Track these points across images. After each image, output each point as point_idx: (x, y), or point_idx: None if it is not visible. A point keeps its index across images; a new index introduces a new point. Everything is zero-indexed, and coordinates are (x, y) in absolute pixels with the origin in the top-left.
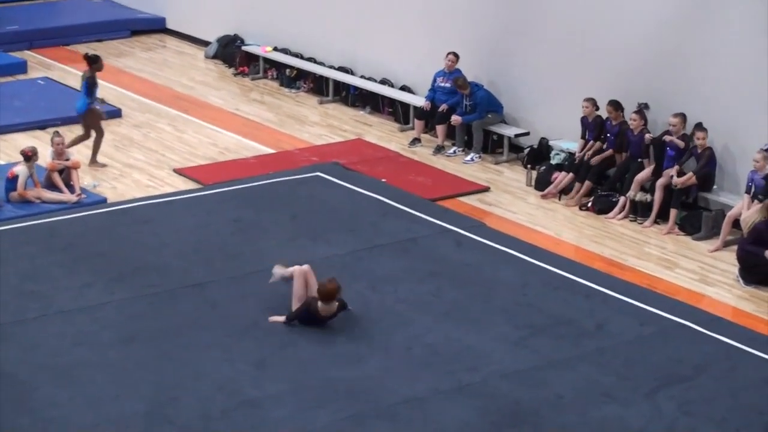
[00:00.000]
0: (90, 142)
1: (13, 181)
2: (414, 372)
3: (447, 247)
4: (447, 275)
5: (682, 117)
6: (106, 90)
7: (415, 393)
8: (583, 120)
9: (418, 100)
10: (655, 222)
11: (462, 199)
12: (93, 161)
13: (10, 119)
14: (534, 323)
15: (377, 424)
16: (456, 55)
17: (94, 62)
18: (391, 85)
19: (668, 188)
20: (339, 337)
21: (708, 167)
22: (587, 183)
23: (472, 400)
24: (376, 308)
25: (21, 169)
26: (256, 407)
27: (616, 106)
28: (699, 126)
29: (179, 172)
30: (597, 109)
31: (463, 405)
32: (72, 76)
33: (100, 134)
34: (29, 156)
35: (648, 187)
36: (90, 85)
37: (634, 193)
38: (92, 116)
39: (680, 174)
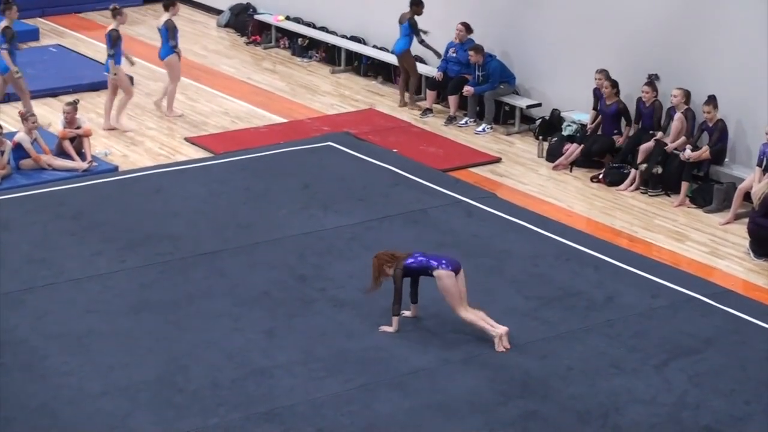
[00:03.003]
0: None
1: (18, 149)
2: (423, 342)
3: (458, 217)
4: (457, 246)
5: (685, 91)
6: None
7: (425, 363)
8: (596, 91)
9: (430, 71)
10: (666, 194)
11: (473, 169)
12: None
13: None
14: (544, 294)
15: (387, 394)
16: (465, 25)
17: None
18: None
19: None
20: (348, 308)
21: (720, 140)
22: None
23: (481, 370)
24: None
25: (21, 136)
26: (266, 376)
27: (613, 83)
28: (710, 99)
29: (191, 140)
30: (609, 80)
31: (472, 375)
32: (84, 43)
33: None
34: (24, 117)
35: (659, 160)
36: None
37: (642, 164)
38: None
39: (692, 148)
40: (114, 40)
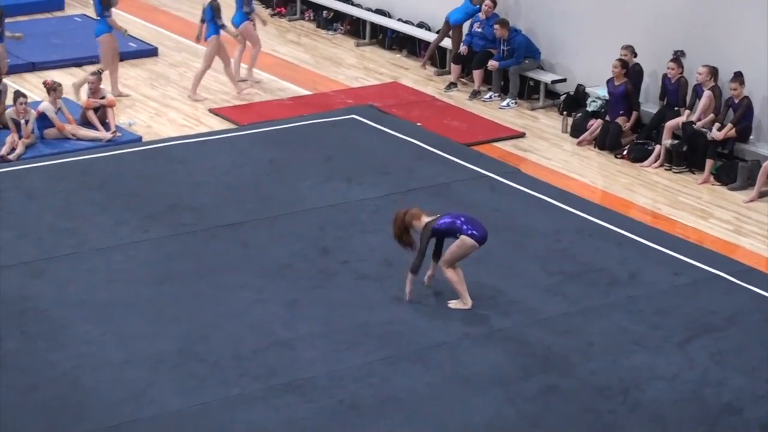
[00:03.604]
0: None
1: (43, 118)
2: (445, 316)
3: (481, 192)
4: (480, 220)
5: (711, 68)
6: (143, 28)
7: (446, 337)
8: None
9: (454, 45)
10: (690, 171)
11: (497, 144)
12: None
13: (46, 56)
14: (566, 270)
15: (408, 367)
16: (493, 1)
17: None
18: (429, 29)
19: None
20: (370, 280)
21: (745, 118)
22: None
23: (502, 345)
24: (408, 252)
25: (45, 105)
26: (288, 348)
27: (623, 64)
28: (736, 76)
29: (215, 111)
30: (635, 56)
31: (493, 350)
32: None
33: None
34: (50, 88)
35: (682, 136)
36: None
37: (668, 141)
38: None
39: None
40: (216, 10)
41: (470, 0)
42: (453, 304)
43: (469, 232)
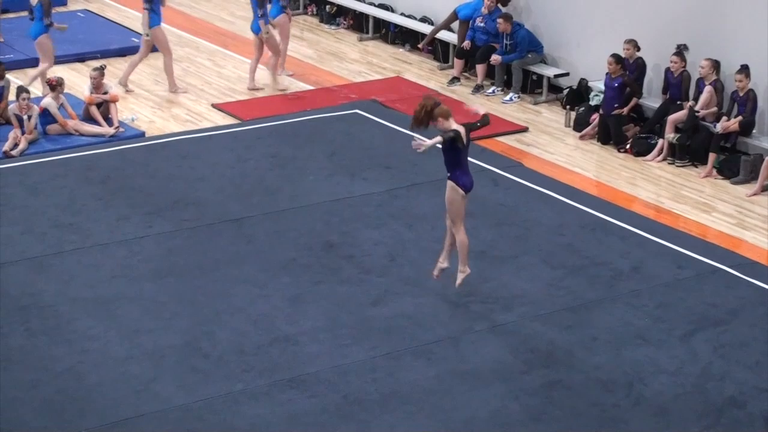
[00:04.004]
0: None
1: (45, 114)
2: (449, 311)
3: (484, 186)
4: (483, 215)
5: (713, 62)
6: None
7: (450, 332)
8: (624, 62)
9: (452, 37)
10: (693, 165)
11: (500, 138)
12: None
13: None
14: (569, 264)
15: (412, 362)
16: None
17: None
18: (432, 23)
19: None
20: (374, 275)
21: (751, 112)
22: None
23: (506, 339)
24: (412, 247)
25: (47, 102)
26: (292, 343)
27: (617, 59)
28: (743, 68)
29: (218, 107)
30: (638, 50)
31: (496, 344)
32: (111, 8)
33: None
34: (54, 85)
35: (685, 129)
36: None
37: (670, 135)
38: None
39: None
40: (261, 1)
41: None
42: (459, 280)
43: (461, 180)
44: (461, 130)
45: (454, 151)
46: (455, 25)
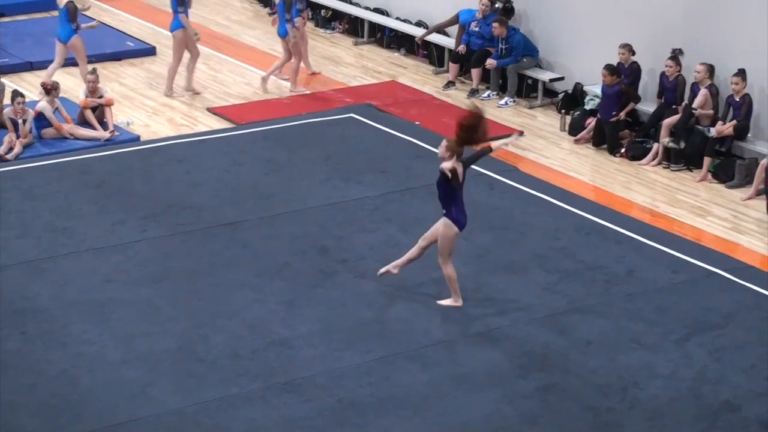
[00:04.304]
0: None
1: (40, 118)
2: (443, 315)
3: (479, 190)
4: (478, 219)
5: (708, 66)
6: (140, 27)
7: (444, 336)
8: (619, 66)
9: (450, 42)
10: (688, 169)
11: (495, 143)
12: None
13: (45, 55)
14: (564, 268)
15: (406, 366)
16: (490, 0)
17: None
18: (426, 28)
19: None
20: (369, 279)
21: (746, 116)
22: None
23: (501, 343)
24: (407, 251)
25: (43, 105)
26: (287, 347)
27: (611, 70)
28: (739, 72)
29: (213, 111)
30: (633, 54)
31: (492, 348)
32: (106, 13)
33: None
34: (48, 89)
35: (679, 129)
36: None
37: (665, 139)
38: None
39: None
40: (288, 5)
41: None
42: (445, 302)
43: (459, 220)
44: (459, 169)
45: (449, 187)
46: (452, 29)
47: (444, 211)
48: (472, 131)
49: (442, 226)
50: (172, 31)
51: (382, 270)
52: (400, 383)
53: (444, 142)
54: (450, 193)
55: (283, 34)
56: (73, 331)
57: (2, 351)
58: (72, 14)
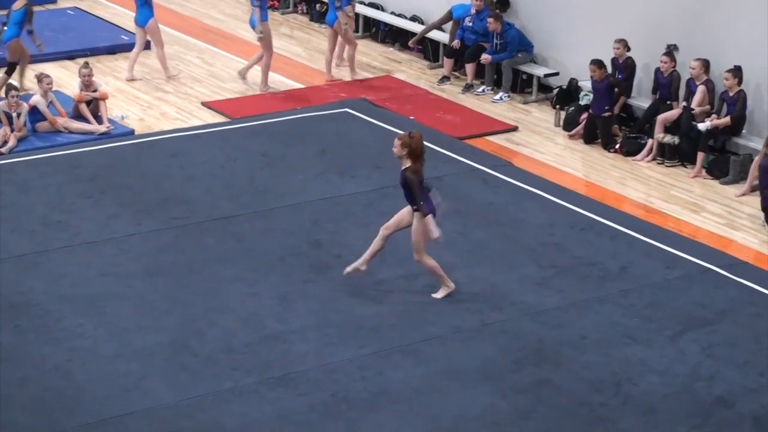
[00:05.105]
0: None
1: (34, 112)
2: (437, 310)
3: (473, 185)
4: (473, 214)
5: (703, 62)
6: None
7: (438, 331)
8: (614, 61)
9: (444, 36)
10: (682, 165)
11: (490, 138)
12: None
13: (36, 49)
14: (558, 263)
15: (400, 360)
16: None
17: None
18: (422, 22)
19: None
20: (363, 274)
21: (740, 111)
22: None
23: (494, 338)
24: (400, 245)
25: (37, 99)
26: (280, 341)
27: (599, 64)
28: (734, 69)
29: (207, 105)
30: (628, 50)
31: (485, 343)
32: (101, 6)
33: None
34: (39, 79)
35: (683, 131)
36: None
37: (660, 134)
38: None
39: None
40: None
41: None
42: (439, 294)
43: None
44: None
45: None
46: (447, 24)
47: (414, 207)
48: (419, 153)
49: (414, 220)
50: (254, 27)
51: (349, 269)
52: (394, 378)
53: (397, 141)
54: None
55: (331, 22)
56: (67, 325)
57: None
58: None
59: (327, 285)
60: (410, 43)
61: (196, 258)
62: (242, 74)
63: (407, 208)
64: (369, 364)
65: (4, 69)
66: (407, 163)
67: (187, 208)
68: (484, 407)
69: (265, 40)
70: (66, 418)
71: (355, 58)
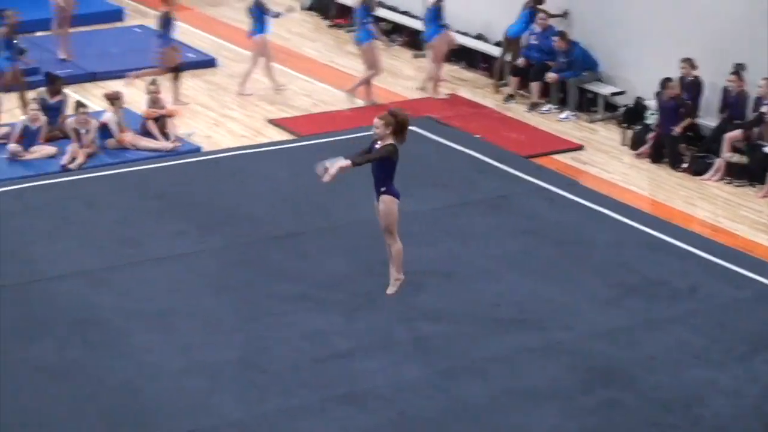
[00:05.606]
0: None
1: (104, 128)
2: (504, 329)
3: (539, 204)
4: (539, 233)
5: None
6: (201, 39)
7: (505, 350)
8: (681, 80)
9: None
10: (751, 185)
11: (555, 156)
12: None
13: (106, 66)
14: (626, 283)
15: (467, 379)
16: (549, 14)
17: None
18: (486, 40)
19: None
20: (428, 292)
21: None
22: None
23: (562, 357)
24: (466, 264)
25: (109, 116)
26: (346, 359)
27: (668, 84)
28: None
29: (274, 122)
30: (695, 69)
31: (553, 362)
32: None
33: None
34: (113, 100)
35: (744, 149)
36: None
37: (727, 153)
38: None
39: None
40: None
41: (530, 10)
42: (392, 288)
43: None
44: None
45: (391, 163)
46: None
47: (383, 189)
48: (405, 128)
49: (383, 204)
50: (360, 43)
51: (392, 291)
52: (461, 397)
53: (379, 120)
54: (390, 171)
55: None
56: (135, 341)
57: (64, 360)
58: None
59: (392, 303)
60: (495, 88)
61: (261, 275)
62: (356, 93)
63: (382, 198)
64: (436, 382)
65: (173, 74)
66: (389, 140)
67: (252, 225)
68: (551, 427)
69: (371, 57)
70: None
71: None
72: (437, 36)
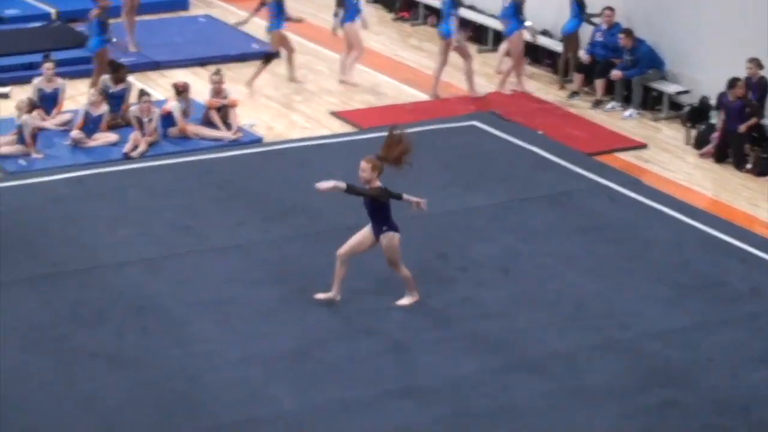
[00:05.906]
0: None
1: (168, 117)
2: (562, 326)
3: (601, 202)
4: (599, 231)
5: None
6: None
7: (563, 347)
8: (747, 80)
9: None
10: None
11: (618, 154)
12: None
13: (170, 55)
14: (686, 283)
15: (524, 376)
16: (612, 10)
17: None
18: (550, 36)
19: None
20: (488, 288)
21: None
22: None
23: (620, 356)
24: (526, 261)
25: (174, 105)
26: (403, 353)
27: (735, 84)
28: None
29: (337, 114)
30: (761, 69)
31: (611, 361)
32: (232, 14)
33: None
34: (180, 90)
35: None
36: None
37: None
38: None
39: None
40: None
41: (576, 2)
42: (403, 301)
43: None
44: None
45: (382, 204)
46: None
47: (385, 228)
48: (394, 147)
49: (386, 241)
50: (448, 35)
51: (322, 296)
52: (518, 394)
53: (366, 164)
54: (385, 212)
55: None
56: (193, 329)
57: (122, 347)
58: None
59: (452, 297)
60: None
61: (321, 266)
62: (472, 88)
63: (367, 230)
64: (493, 378)
65: (263, 59)
66: (376, 183)
67: (313, 216)
68: (608, 426)
69: (463, 48)
70: (189, 422)
71: (473, 72)
72: (516, 32)
